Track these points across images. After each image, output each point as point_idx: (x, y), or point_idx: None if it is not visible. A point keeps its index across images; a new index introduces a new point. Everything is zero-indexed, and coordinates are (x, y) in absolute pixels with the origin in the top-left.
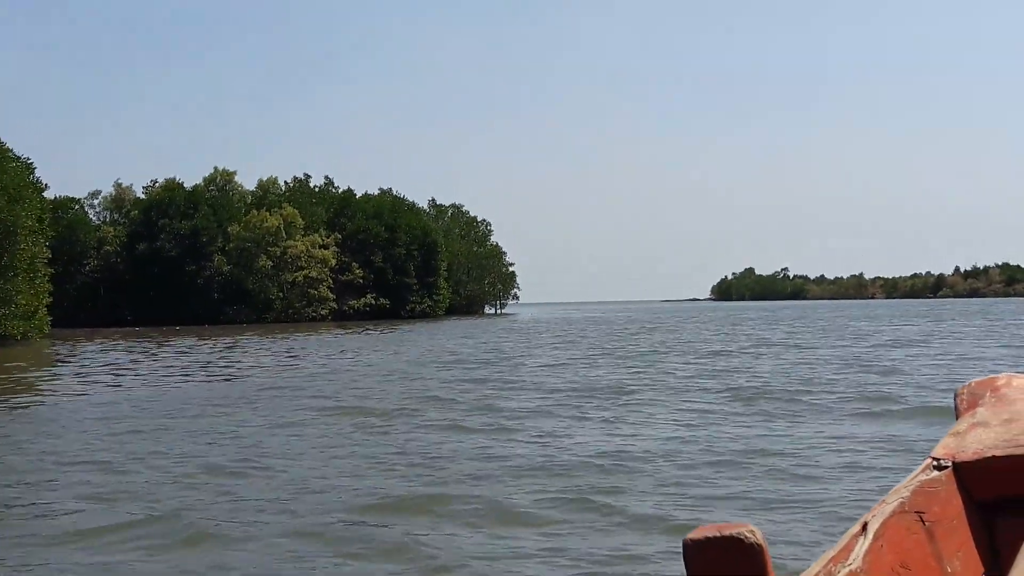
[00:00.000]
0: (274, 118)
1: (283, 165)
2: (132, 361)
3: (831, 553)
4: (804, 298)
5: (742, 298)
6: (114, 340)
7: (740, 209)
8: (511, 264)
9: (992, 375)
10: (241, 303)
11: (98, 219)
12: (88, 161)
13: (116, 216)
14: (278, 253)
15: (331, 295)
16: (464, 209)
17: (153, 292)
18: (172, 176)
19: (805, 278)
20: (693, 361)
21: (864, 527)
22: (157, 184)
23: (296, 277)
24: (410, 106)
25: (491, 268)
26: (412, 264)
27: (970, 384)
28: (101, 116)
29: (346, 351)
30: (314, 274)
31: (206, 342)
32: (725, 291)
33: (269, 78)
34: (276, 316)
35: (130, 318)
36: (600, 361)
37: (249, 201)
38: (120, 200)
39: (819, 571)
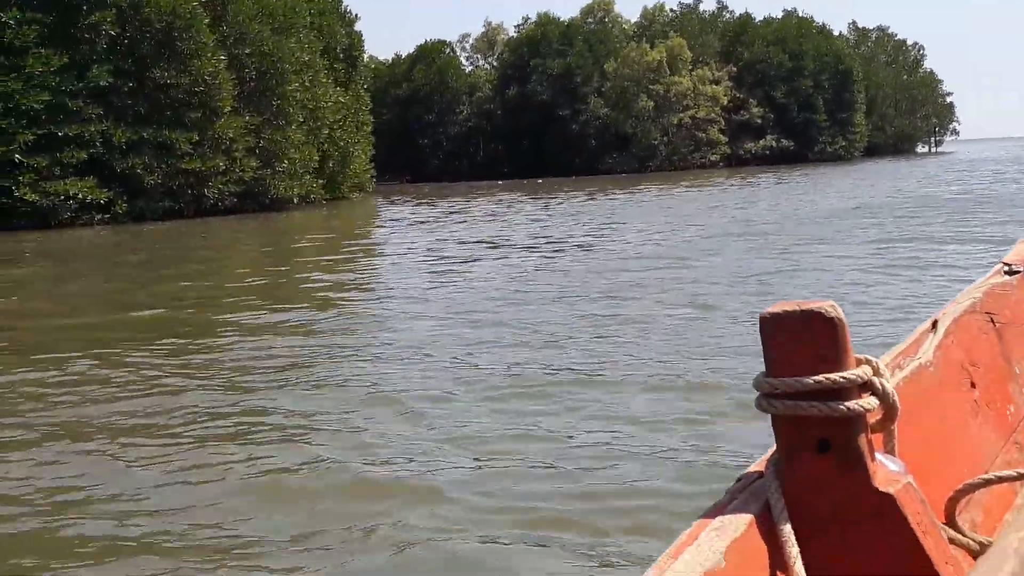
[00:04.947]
0: None
1: None
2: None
3: (901, 347)
4: None
5: None
6: (457, 199)
7: None
8: (948, 94)
9: None
10: (620, 151)
11: (470, 64)
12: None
13: (489, 59)
14: (661, 92)
15: (723, 138)
16: (891, 32)
17: (526, 141)
18: (546, 11)
19: None
20: None
21: (935, 324)
22: (529, 21)
23: (682, 119)
24: None
25: (923, 100)
26: (822, 98)
27: None
28: None
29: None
30: (703, 114)
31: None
32: None
33: None
34: (659, 164)
35: (506, 170)
36: None
37: (631, 34)
38: (491, 41)
39: (889, 362)
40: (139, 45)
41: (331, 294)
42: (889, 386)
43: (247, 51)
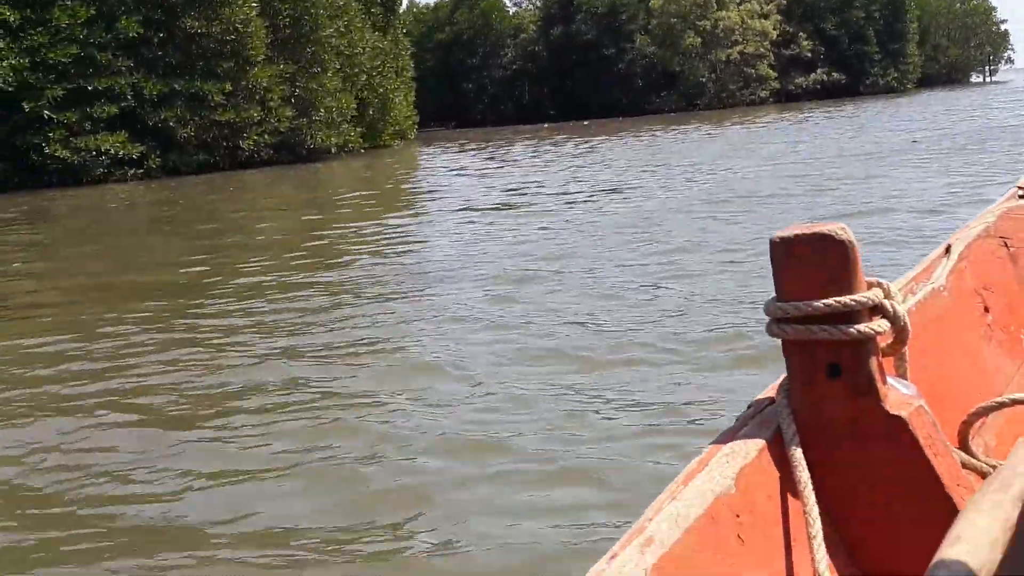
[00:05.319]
0: None
1: None
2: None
3: (914, 272)
4: None
5: None
6: (500, 144)
7: None
8: (1002, 21)
9: None
10: (667, 89)
11: (514, 5)
12: None
13: (534, 0)
14: (708, 27)
15: (772, 73)
16: None
17: (571, 82)
18: None
19: None
20: None
21: (948, 249)
22: None
23: (730, 54)
24: None
25: (976, 28)
26: (873, 29)
27: None
28: None
29: None
30: (751, 49)
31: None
32: None
33: None
34: (708, 102)
35: (552, 112)
36: None
37: None
38: None
39: (901, 287)
40: None
41: (360, 250)
42: (900, 309)
43: None
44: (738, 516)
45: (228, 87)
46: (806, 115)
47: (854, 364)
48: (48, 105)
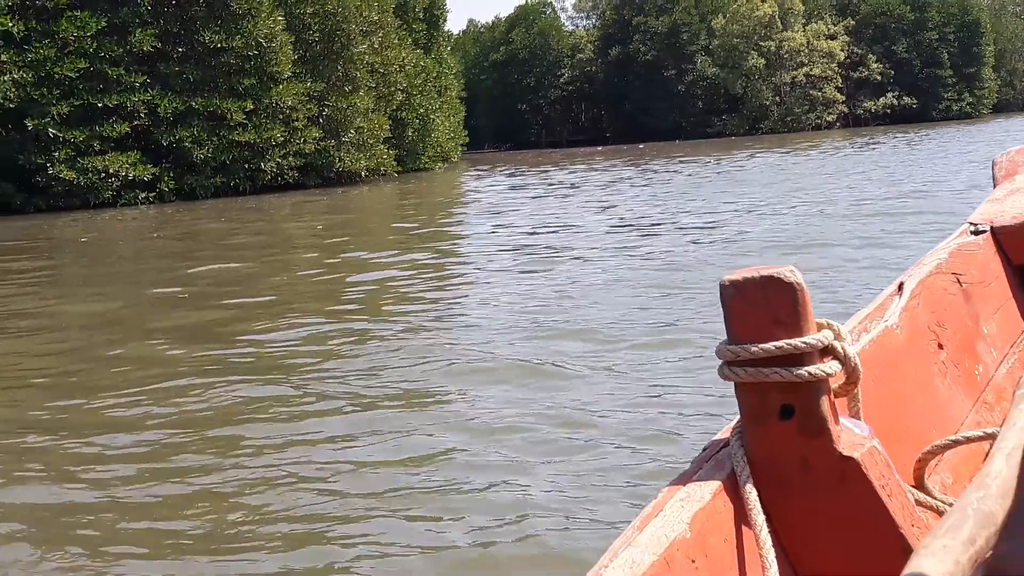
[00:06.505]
0: None
1: None
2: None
3: (867, 311)
4: None
5: None
6: (549, 168)
7: None
8: None
9: None
10: (729, 112)
11: (571, 24)
12: None
13: (592, 20)
14: (772, 48)
15: (840, 96)
16: None
17: (628, 104)
18: None
19: None
20: None
21: (900, 287)
22: None
23: (795, 76)
24: None
25: None
26: (946, 52)
27: (1009, 153)
28: None
29: None
30: (817, 72)
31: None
32: None
33: None
34: (771, 126)
35: (608, 135)
36: None
37: None
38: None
39: (855, 327)
40: (188, 6)
41: (375, 290)
42: (851, 350)
43: (309, 11)
44: (693, 561)
45: (249, 105)
46: (877, 141)
47: (806, 406)
48: (53, 122)
